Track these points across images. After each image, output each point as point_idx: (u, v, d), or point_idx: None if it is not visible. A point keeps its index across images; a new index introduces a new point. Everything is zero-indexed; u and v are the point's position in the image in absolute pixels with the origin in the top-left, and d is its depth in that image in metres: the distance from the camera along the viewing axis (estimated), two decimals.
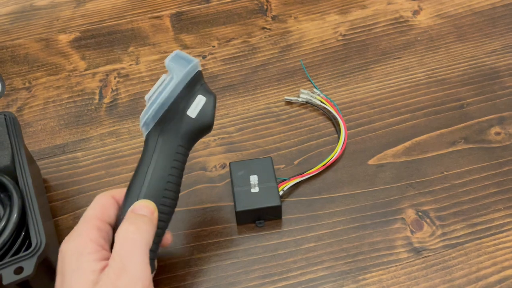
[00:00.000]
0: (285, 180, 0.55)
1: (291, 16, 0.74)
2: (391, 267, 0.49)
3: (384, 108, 0.62)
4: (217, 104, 0.63)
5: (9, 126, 0.50)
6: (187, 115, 0.43)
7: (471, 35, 0.70)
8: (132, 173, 0.43)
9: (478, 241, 0.51)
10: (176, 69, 0.42)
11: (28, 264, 0.40)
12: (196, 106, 0.43)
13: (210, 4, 0.76)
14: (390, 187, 0.55)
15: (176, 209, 0.54)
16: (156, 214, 0.41)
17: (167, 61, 0.43)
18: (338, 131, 0.59)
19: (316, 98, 0.62)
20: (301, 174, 0.55)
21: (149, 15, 0.75)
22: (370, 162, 0.57)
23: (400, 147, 0.58)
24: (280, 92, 0.64)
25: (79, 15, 0.75)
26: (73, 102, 0.64)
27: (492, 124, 0.60)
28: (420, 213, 0.53)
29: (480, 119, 0.60)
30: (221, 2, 0.76)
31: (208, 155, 0.58)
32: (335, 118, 0.60)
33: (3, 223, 0.42)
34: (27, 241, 0.43)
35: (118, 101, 0.64)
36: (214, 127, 0.60)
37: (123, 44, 0.71)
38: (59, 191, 0.56)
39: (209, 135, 0.59)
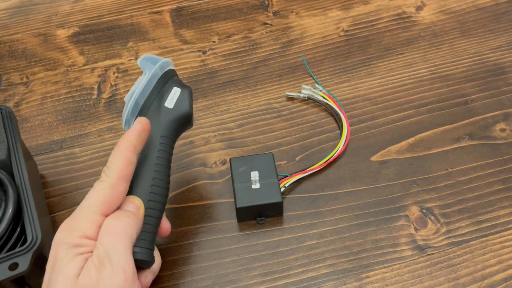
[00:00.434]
0: (287, 176, 0.54)
1: (292, 12, 0.73)
2: (394, 264, 0.48)
3: (387, 104, 0.61)
4: (218, 100, 0.62)
5: (5, 120, 0.49)
6: (165, 106, 0.45)
7: (475, 31, 0.69)
8: None
9: (483, 239, 0.50)
10: (149, 65, 0.46)
11: (23, 260, 0.39)
12: (173, 98, 0.46)
13: None
14: (393, 183, 0.54)
15: (176, 206, 0.53)
16: (142, 210, 0.41)
17: (139, 61, 0.46)
18: (340, 127, 0.59)
19: (318, 93, 0.61)
20: (303, 170, 0.54)
21: (149, 10, 0.74)
22: (373, 158, 0.56)
23: (403, 143, 0.57)
24: (282, 88, 0.63)
25: (78, 10, 0.74)
26: (71, 97, 0.64)
27: (497, 120, 0.59)
28: (424, 210, 0.52)
29: (485, 115, 0.59)
30: None
31: (208, 151, 0.58)
32: (338, 114, 0.59)
33: None
34: (23, 237, 0.42)
35: (117, 97, 0.63)
36: (214, 122, 0.60)
37: (122, 39, 0.70)
38: (57, 187, 0.55)
39: (209, 131, 0.59)
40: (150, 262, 0.41)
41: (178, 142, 0.58)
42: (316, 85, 0.62)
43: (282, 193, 0.52)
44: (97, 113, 0.62)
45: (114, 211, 0.39)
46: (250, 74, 0.65)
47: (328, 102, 0.60)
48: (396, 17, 0.71)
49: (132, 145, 0.41)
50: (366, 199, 0.53)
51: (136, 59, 0.67)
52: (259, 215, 0.51)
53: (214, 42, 0.69)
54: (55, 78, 0.66)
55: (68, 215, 0.52)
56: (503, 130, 0.58)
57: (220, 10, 0.73)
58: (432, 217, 0.51)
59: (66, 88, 0.65)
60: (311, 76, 0.64)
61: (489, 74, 0.63)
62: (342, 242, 0.50)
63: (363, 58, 0.66)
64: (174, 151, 0.57)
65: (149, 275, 0.42)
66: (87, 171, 0.56)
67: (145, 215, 0.41)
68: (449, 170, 0.55)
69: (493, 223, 0.51)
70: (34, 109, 0.63)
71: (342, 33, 0.69)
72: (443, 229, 0.50)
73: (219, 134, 0.59)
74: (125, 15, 0.73)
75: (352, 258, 0.49)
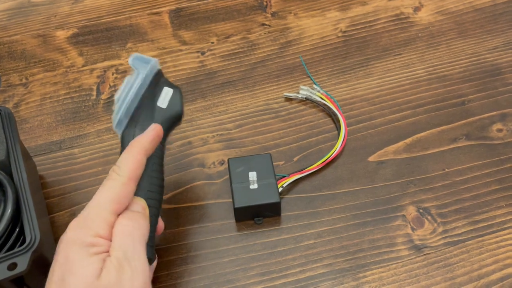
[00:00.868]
0: (285, 176, 0.54)
1: (291, 13, 0.73)
2: (391, 264, 0.49)
3: (385, 105, 0.61)
4: (216, 101, 0.63)
5: (4, 121, 0.49)
6: (158, 106, 0.46)
7: (473, 31, 0.69)
8: None
9: (480, 239, 0.50)
10: (141, 65, 0.46)
11: (22, 260, 0.39)
12: (165, 97, 0.46)
13: (209, 0, 0.75)
14: (390, 184, 0.54)
15: (174, 206, 0.53)
16: (147, 210, 0.41)
17: (130, 60, 0.46)
18: (338, 127, 0.59)
19: (316, 94, 0.61)
20: (300, 170, 0.55)
21: (147, 11, 0.74)
22: (371, 158, 0.56)
23: (401, 143, 0.58)
24: (280, 89, 0.64)
25: (77, 11, 0.75)
26: (70, 98, 0.64)
27: (494, 120, 0.59)
28: (421, 210, 0.52)
29: (482, 116, 0.60)
30: None
31: (207, 151, 0.58)
32: (335, 115, 0.60)
33: None
34: (22, 237, 0.43)
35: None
36: (212, 123, 0.60)
37: (121, 40, 0.70)
38: (56, 187, 0.55)
39: (207, 131, 0.59)
40: (152, 259, 0.42)
41: (176, 143, 0.58)
42: (314, 86, 0.63)
43: (280, 193, 0.52)
44: (96, 114, 0.62)
45: (123, 211, 0.39)
46: (249, 75, 0.65)
47: (326, 103, 0.61)
48: (394, 18, 0.71)
49: (144, 148, 0.42)
50: (363, 199, 0.53)
51: None
52: (257, 215, 0.52)
53: (212, 43, 0.69)
54: (54, 79, 0.66)
55: (67, 216, 0.53)
56: (500, 130, 0.58)
57: (218, 11, 0.74)
58: (429, 217, 0.52)
59: (65, 89, 0.65)
60: (309, 76, 0.65)
61: (486, 74, 0.64)
62: (339, 242, 0.50)
63: (361, 58, 0.67)
64: (173, 151, 0.58)
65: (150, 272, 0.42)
66: (86, 172, 0.56)
67: None
68: (446, 170, 0.55)
69: (490, 223, 0.51)
70: (33, 110, 0.63)
71: (340, 34, 0.70)
72: (440, 229, 0.51)
73: (217, 134, 0.59)
74: (124, 16, 0.74)
75: (349, 258, 0.49)
